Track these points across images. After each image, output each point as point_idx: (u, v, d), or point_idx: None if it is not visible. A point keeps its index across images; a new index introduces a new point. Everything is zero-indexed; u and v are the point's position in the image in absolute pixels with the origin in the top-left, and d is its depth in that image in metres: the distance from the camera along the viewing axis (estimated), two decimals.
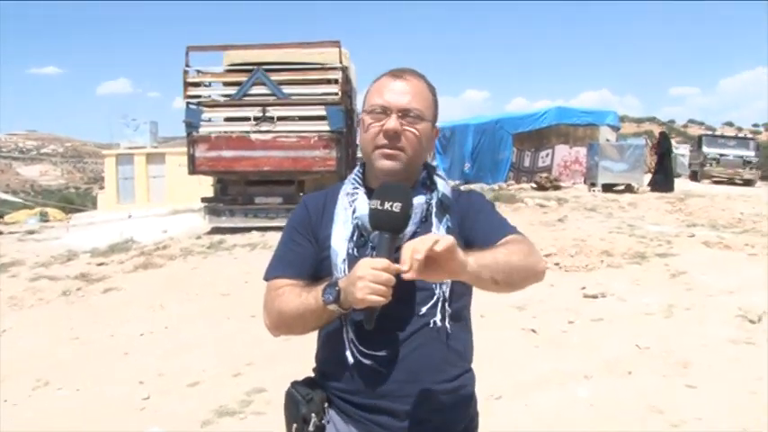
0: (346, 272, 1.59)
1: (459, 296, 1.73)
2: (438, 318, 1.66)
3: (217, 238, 11.50)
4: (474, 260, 1.48)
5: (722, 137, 26.44)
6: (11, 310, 7.73)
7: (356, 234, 1.67)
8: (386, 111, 1.67)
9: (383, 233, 1.52)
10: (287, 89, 12.10)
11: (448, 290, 1.68)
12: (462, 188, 2.17)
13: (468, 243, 1.68)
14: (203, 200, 12.89)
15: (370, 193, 1.66)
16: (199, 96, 12.53)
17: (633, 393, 4.74)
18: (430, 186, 1.77)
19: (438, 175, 1.80)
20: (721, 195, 17.95)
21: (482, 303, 6.13)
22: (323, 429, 1.70)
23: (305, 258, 1.72)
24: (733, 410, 4.47)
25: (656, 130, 51.39)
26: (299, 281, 1.68)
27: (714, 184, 23.39)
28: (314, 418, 1.68)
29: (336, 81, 12.12)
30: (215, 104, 12.50)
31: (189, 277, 8.60)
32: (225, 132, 12.36)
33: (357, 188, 1.75)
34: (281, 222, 12.13)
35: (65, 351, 6.12)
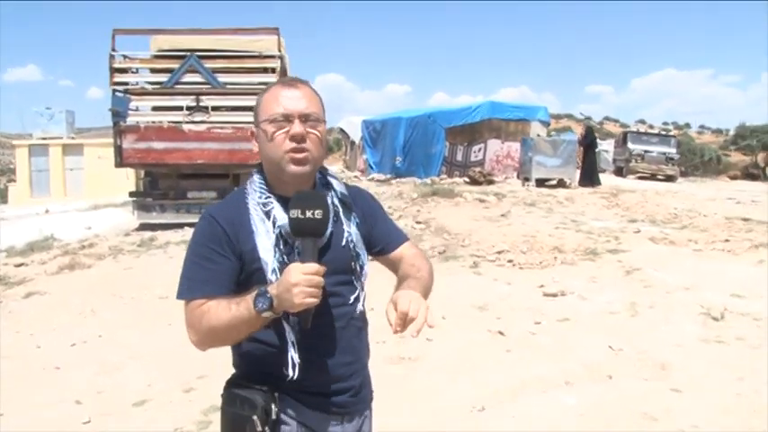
0: (278, 279, 1.65)
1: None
2: (360, 305, 1.86)
3: (147, 234, 10.72)
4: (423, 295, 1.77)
5: (645, 134, 27.02)
6: None
7: (281, 242, 1.73)
8: (287, 117, 1.75)
9: (307, 239, 1.65)
10: (222, 77, 11.41)
11: (365, 281, 1.88)
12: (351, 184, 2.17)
13: (370, 245, 1.93)
14: (131, 194, 12.08)
15: (281, 200, 1.77)
16: (126, 83, 11.70)
17: (620, 400, 4.50)
18: (327, 186, 1.88)
19: (330, 175, 1.92)
20: (650, 191, 18.27)
21: (441, 304, 5.77)
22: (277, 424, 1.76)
23: (221, 275, 1.73)
24: (725, 414, 4.30)
25: (575, 126, 52.54)
26: (218, 297, 1.69)
27: (639, 180, 23.95)
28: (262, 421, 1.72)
29: (274, 70, 11.49)
30: (144, 92, 11.71)
31: (121, 279, 7.90)
32: (155, 122, 11.60)
33: (269, 197, 1.79)
34: None
35: None
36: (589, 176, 18.86)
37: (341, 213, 1.84)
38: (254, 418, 1.69)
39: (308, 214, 1.63)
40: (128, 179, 13.40)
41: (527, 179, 19.22)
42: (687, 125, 78.20)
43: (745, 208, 14.64)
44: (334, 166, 29.93)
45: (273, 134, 1.75)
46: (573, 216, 12.41)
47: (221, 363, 5.33)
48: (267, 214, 1.76)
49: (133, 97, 11.57)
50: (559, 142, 19.65)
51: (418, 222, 11.33)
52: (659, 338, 5.80)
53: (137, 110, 11.75)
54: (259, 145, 1.83)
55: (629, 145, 25.44)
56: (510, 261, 8.59)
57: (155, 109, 11.91)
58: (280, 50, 11.57)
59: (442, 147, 21.76)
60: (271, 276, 1.68)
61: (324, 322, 1.75)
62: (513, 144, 22.15)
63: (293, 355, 1.71)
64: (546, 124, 23.58)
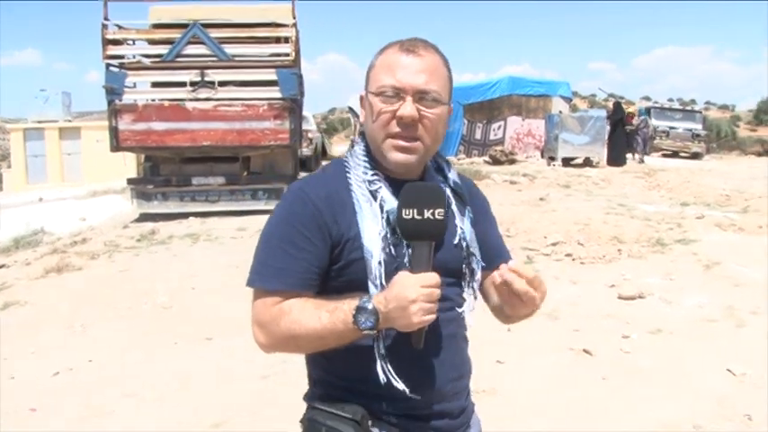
0: (382, 275, 1.37)
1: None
2: (469, 313, 1.52)
3: (148, 227, 9.50)
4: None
5: (670, 109, 25.66)
6: None
7: (389, 231, 1.40)
8: (399, 93, 1.41)
9: (422, 243, 1.36)
10: (230, 49, 10.07)
11: (476, 287, 1.53)
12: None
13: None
14: (130, 181, 10.77)
15: (388, 180, 1.45)
16: (122, 57, 10.34)
17: None
18: (439, 172, 1.57)
19: (443, 158, 1.60)
20: (683, 170, 17.11)
21: None
22: None
23: (308, 265, 1.41)
24: None
25: (579, 104, 51.27)
26: (300, 294, 1.41)
27: (663, 158, 22.71)
28: None
29: (288, 40, 10.19)
30: (142, 67, 10.37)
31: (117, 284, 6.67)
32: (155, 100, 10.32)
33: (376, 174, 1.45)
34: (225, 206, 10.26)
35: None
36: (617, 155, 17.65)
37: (453, 205, 1.52)
38: None
39: (427, 215, 1.34)
40: (125, 165, 12.15)
41: (552, 158, 18.09)
42: (693, 101, 76.15)
43: None
44: (343, 146, 28.74)
45: (380, 111, 1.43)
46: (618, 199, 11.23)
47: (245, 405, 4.23)
48: (373, 194, 1.43)
49: (129, 72, 10.23)
50: (587, 119, 18.44)
51: None
52: None
53: (134, 87, 10.43)
54: (365, 114, 1.50)
55: (653, 121, 24.12)
56: (568, 255, 7.41)
57: (154, 85, 10.59)
58: (293, 17, 10.28)
59: (460, 125, 20.54)
60: (375, 271, 1.38)
61: (429, 332, 1.40)
62: (534, 121, 21.02)
63: (389, 370, 1.39)
64: (568, 100, 22.41)
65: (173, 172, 10.54)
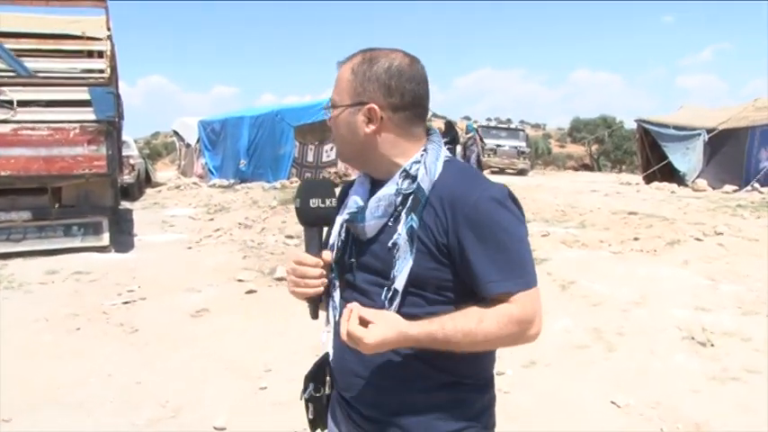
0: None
1: (423, 303, 1.50)
2: (391, 309, 1.49)
3: None
4: (419, 332, 1.43)
5: (495, 128, 26.68)
6: None
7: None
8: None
9: (311, 228, 1.58)
10: (31, 64, 8.79)
11: (402, 285, 1.48)
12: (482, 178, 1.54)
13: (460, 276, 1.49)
14: None
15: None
16: None
17: None
18: (406, 176, 1.52)
19: (426, 163, 1.52)
20: (515, 186, 17.54)
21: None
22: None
23: None
24: None
25: None
26: None
27: (491, 175, 23.48)
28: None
29: (102, 55, 9.05)
30: None
31: None
32: None
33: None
34: (32, 246, 8.80)
35: None
36: None
37: (404, 209, 1.49)
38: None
39: (312, 203, 1.56)
40: None
41: None
42: (509, 120, 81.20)
43: (617, 200, 14.12)
44: (169, 172, 27.13)
45: None
46: None
47: None
48: None
49: None
50: None
51: (289, 237, 9.51)
52: (662, 382, 4.48)
53: None
54: None
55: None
56: None
57: None
58: (108, 29, 9.17)
59: (291, 147, 19.90)
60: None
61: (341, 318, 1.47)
62: None
63: (328, 344, 1.65)
64: None
65: None
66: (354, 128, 1.54)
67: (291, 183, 18.93)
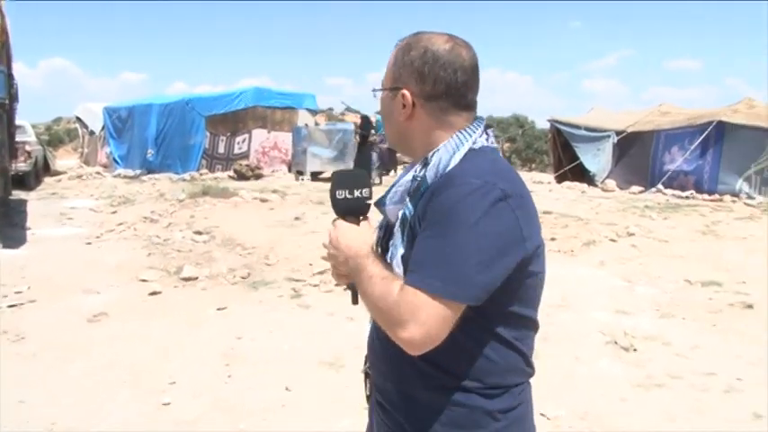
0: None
1: None
2: None
3: None
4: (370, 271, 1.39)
5: None
6: None
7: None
8: None
9: (350, 218, 1.54)
10: None
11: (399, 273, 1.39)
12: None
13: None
14: None
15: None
16: None
17: None
18: (425, 163, 1.46)
19: (443, 151, 1.43)
20: None
21: (274, 362, 3.75)
22: None
23: None
24: None
25: (309, 118, 52.39)
26: None
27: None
28: None
29: None
30: None
31: None
32: None
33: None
34: None
35: None
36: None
37: (411, 193, 1.45)
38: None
39: (356, 194, 1.53)
40: None
41: (300, 172, 17.57)
42: None
43: None
44: (71, 160, 25.74)
45: None
46: None
47: None
48: None
49: None
50: (335, 132, 18.18)
51: (198, 233, 9.01)
52: (589, 390, 4.35)
53: None
54: None
55: None
56: (338, 284, 6.73)
57: None
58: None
59: (202, 138, 19.26)
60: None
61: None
62: (281, 134, 20.42)
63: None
64: (314, 113, 22.04)
65: None
66: (391, 112, 1.53)
67: (201, 174, 18.31)
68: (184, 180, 17.04)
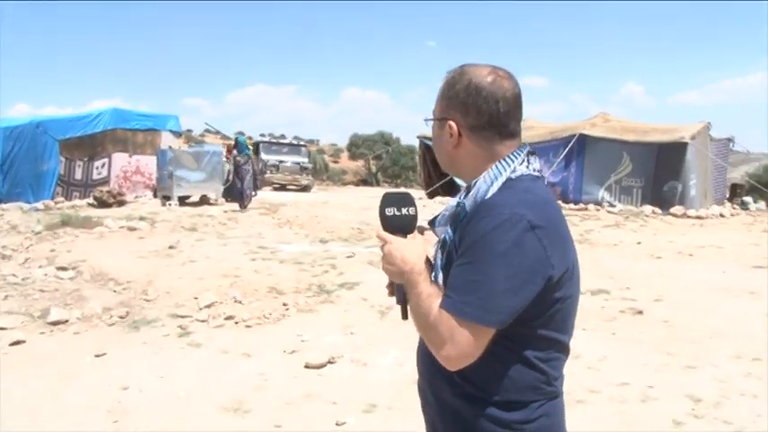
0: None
1: None
2: None
3: None
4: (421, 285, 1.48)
5: (277, 144, 26.15)
6: None
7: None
8: None
9: (399, 234, 1.58)
10: None
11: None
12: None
13: None
14: None
15: None
16: None
17: None
18: (468, 189, 1.57)
19: (483, 181, 1.52)
20: (302, 203, 17.20)
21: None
22: None
23: None
24: None
25: (174, 140, 51.87)
26: None
27: (274, 191, 22.89)
28: None
29: None
30: None
31: None
32: None
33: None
34: None
35: None
36: (238, 192, 16.98)
37: (452, 218, 1.56)
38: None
39: (404, 211, 1.59)
40: None
41: (167, 197, 16.69)
42: (282, 136, 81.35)
43: None
44: None
45: None
46: (255, 240, 10.45)
47: None
48: None
49: None
50: (203, 154, 17.45)
51: (62, 269, 8.19)
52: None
53: None
54: None
55: (263, 156, 24.27)
56: (229, 317, 6.25)
57: None
58: None
59: (56, 163, 17.84)
60: None
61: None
62: (143, 158, 19.37)
63: None
64: (178, 135, 21.12)
65: None
66: (440, 141, 1.62)
67: (57, 203, 16.99)
68: (38, 210, 15.66)
